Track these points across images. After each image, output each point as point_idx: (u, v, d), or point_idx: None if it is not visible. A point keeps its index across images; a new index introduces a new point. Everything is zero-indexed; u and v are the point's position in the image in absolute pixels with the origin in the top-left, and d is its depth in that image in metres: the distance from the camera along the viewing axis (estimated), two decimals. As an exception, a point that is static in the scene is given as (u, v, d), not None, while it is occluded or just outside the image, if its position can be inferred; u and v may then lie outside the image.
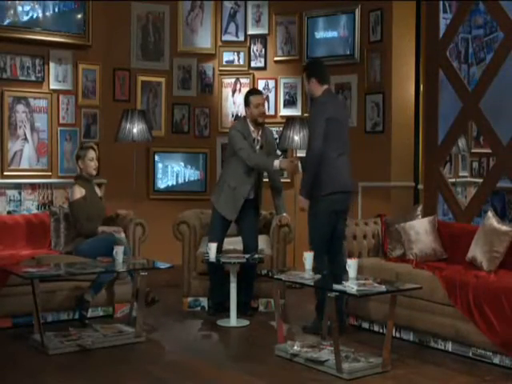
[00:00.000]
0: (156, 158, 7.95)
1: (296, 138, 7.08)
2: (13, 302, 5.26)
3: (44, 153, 7.17)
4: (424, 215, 5.90)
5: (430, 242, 5.52)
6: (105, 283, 5.57)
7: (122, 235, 5.75)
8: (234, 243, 6.01)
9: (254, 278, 5.84)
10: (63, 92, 7.28)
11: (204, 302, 6.08)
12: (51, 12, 7.03)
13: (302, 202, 5.32)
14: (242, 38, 8.18)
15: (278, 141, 7.69)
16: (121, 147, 7.24)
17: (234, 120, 8.18)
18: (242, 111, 8.14)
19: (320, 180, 5.24)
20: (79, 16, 7.23)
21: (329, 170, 5.24)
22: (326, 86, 5.42)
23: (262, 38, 8.13)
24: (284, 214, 6.08)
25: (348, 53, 7.52)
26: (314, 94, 5.48)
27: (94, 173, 5.98)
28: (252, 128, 5.92)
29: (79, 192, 5.84)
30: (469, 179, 7.99)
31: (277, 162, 5.79)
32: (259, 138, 5.96)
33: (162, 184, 8.00)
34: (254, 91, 6.21)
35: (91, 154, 5.94)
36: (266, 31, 8.12)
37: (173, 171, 8.09)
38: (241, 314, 5.74)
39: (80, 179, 5.95)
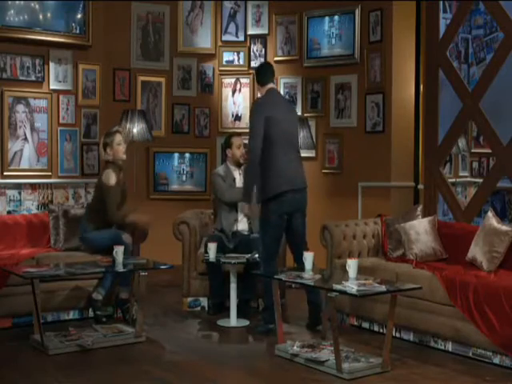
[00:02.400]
0: (156, 158, 7.97)
1: (296, 138, 7.07)
2: (13, 301, 5.26)
3: (44, 153, 7.17)
4: (424, 215, 5.90)
5: (429, 242, 5.52)
6: (110, 281, 5.56)
7: (129, 240, 5.72)
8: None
9: (254, 277, 5.83)
10: (63, 92, 7.29)
11: (204, 301, 6.08)
12: (51, 12, 7.04)
13: (245, 209, 5.45)
14: (242, 38, 8.19)
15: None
16: (121, 147, 7.24)
17: (234, 120, 8.21)
18: (241, 111, 8.16)
19: (266, 182, 5.22)
20: (79, 16, 7.24)
21: (273, 170, 5.19)
22: (269, 86, 5.42)
23: (262, 38, 8.14)
24: None
25: (348, 53, 7.52)
26: None
27: (124, 157, 5.81)
28: (233, 168, 6.20)
29: (114, 178, 5.67)
30: (469, 179, 8.00)
31: (246, 207, 5.69)
32: (240, 174, 6.18)
33: (161, 184, 8.02)
34: (233, 133, 6.57)
35: (118, 138, 5.78)
36: (266, 31, 8.12)
37: (173, 171, 8.10)
38: (241, 313, 5.75)
39: (112, 165, 5.75)
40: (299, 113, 7.89)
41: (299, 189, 5.32)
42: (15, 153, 7.00)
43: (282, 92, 8.03)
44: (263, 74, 5.48)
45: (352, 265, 4.62)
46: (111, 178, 5.67)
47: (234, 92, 8.20)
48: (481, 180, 7.02)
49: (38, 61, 7.09)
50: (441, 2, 6.88)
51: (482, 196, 6.43)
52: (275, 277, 4.95)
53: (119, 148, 5.76)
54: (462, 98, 6.44)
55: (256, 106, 5.43)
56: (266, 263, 5.24)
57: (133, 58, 7.91)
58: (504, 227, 5.06)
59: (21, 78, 7.00)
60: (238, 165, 6.20)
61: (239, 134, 6.56)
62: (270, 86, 5.44)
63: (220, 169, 6.30)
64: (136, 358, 4.73)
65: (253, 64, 8.14)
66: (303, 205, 5.40)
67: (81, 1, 7.23)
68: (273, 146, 5.20)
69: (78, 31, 7.22)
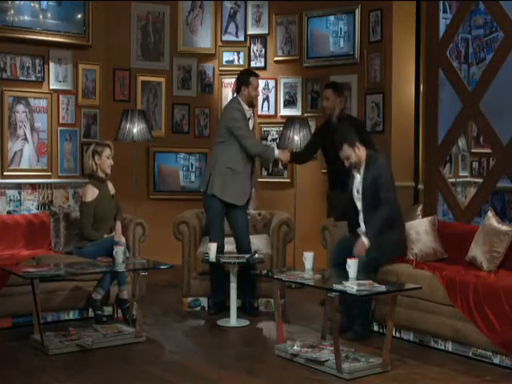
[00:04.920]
0: (156, 157, 7.97)
1: (296, 137, 7.08)
2: (13, 301, 5.26)
3: (44, 153, 7.17)
4: (424, 215, 5.89)
5: (429, 242, 5.52)
6: (108, 281, 5.57)
7: (123, 240, 5.73)
8: (234, 243, 6.01)
9: (255, 277, 5.83)
10: (63, 92, 7.29)
11: (204, 301, 6.08)
12: (51, 12, 7.04)
13: (363, 246, 5.13)
14: (242, 38, 8.19)
15: (278, 141, 7.71)
16: (121, 147, 7.23)
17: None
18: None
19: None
20: (79, 16, 7.24)
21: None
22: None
23: (262, 38, 8.14)
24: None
25: (348, 53, 7.52)
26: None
27: (109, 171, 5.83)
28: (246, 108, 5.85)
29: (91, 193, 5.71)
30: (469, 179, 8.00)
31: (277, 152, 5.90)
32: (251, 117, 5.95)
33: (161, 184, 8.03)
34: (253, 73, 5.99)
35: (108, 151, 5.82)
36: (265, 31, 8.12)
37: (173, 171, 8.10)
38: (245, 313, 5.77)
39: (93, 179, 5.82)
40: (299, 113, 7.90)
41: None
42: (15, 153, 7.00)
43: (281, 92, 8.05)
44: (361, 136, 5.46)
45: (352, 265, 4.61)
46: (87, 194, 5.73)
47: (234, 92, 8.18)
48: (481, 180, 7.02)
49: (38, 61, 7.09)
50: (441, 2, 6.88)
51: (481, 196, 6.42)
52: (275, 277, 4.95)
53: (107, 161, 5.81)
54: (462, 98, 6.44)
55: (387, 165, 5.46)
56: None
57: (133, 58, 7.91)
58: (504, 227, 5.06)
59: (21, 78, 7.01)
60: (251, 105, 5.89)
61: (257, 75, 5.98)
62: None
63: (236, 105, 5.80)
64: (136, 358, 4.73)
65: (253, 64, 8.14)
66: None
67: (81, 1, 7.23)
68: None
69: (78, 31, 7.22)
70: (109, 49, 7.62)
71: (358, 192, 5.34)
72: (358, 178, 5.33)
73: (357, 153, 5.27)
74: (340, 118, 6.14)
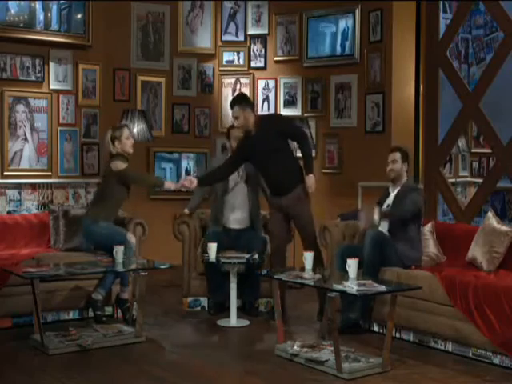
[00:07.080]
0: (156, 157, 7.96)
1: (296, 137, 7.07)
2: (13, 302, 5.26)
3: (44, 153, 7.17)
4: (424, 215, 5.89)
5: (429, 249, 5.46)
6: (110, 281, 5.56)
7: (133, 240, 5.73)
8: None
9: (256, 277, 5.82)
10: (63, 92, 7.28)
11: (204, 301, 6.08)
12: (51, 12, 7.04)
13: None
14: (242, 38, 8.19)
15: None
16: (121, 147, 7.23)
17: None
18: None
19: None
20: (79, 16, 7.24)
21: None
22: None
23: (262, 38, 8.13)
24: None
25: (348, 53, 7.52)
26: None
27: (131, 150, 5.83)
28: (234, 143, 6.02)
29: (122, 163, 5.71)
30: (469, 179, 8.00)
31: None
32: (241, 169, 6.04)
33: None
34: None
35: (126, 132, 5.82)
36: (265, 31, 8.12)
37: (173, 171, 8.09)
38: (246, 313, 5.77)
39: (119, 156, 5.77)
40: (299, 113, 7.90)
41: None
42: (15, 153, 7.00)
43: (281, 92, 8.05)
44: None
45: (352, 265, 4.62)
46: (120, 164, 5.70)
47: (234, 92, 8.18)
48: (481, 180, 7.02)
49: (37, 61, 7.09)
50: (441, 2, 6.89)
51: (481, 196, 6.43)
52: (275, 277, 4.95)
53: (127, 142, 5.81)
54: (462, 98, 6.44)
55: None
56: None
57: (133, 57, 7.90)
58: (504, 227, 5.06)
59: (21, 78, 7.00)
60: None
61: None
62: None
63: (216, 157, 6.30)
64: (136, 358, 4.73)
65: (253, 64, 8.14)
66: None
67: (81, 1, 7.23)
68: None
69: (78, 31, 7.21)
70: (109, 49, 7.61)
71: (388, 206, 5.54)
72: (392, 195, 5.57)
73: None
74: (257, 125, 5.74)
